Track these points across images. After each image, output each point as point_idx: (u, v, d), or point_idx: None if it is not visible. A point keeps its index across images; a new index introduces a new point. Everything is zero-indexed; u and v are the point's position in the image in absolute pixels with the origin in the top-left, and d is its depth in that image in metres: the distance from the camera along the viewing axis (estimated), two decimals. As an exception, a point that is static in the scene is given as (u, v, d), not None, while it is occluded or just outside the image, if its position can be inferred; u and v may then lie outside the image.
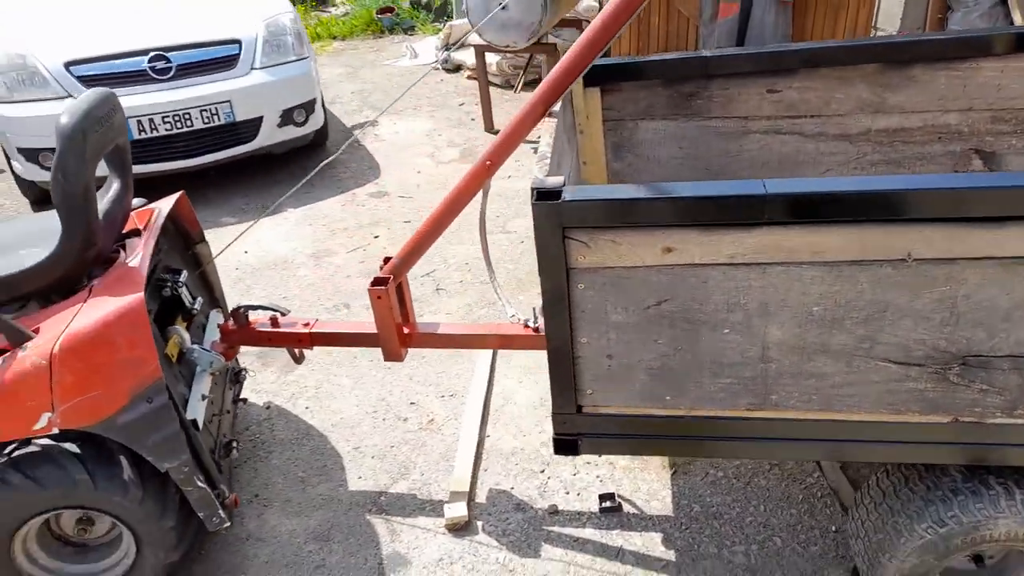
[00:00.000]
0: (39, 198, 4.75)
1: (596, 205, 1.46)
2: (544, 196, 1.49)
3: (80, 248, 1.88)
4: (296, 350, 2.40)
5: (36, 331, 1.83)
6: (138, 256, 2.01)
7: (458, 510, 2.31)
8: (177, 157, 4.49)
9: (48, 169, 4.28)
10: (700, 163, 2.45)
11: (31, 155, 4.27)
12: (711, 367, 1.58)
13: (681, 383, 1.62)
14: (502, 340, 2.25)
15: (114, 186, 2.14)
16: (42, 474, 1.82)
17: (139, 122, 4.30)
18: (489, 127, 5.84)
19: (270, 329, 2.29)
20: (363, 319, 3.03)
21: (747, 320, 1.53)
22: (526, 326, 2.26)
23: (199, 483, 1.94)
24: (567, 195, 1.47)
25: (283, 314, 2.28)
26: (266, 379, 3.05)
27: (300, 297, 3.66)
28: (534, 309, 2.30)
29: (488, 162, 1.99)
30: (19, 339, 1.81)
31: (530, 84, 6.55)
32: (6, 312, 1.88)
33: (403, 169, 5.19)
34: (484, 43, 5.50)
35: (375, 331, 2.25)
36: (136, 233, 2.17)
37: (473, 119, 6.14)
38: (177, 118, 4.39)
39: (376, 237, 4.24)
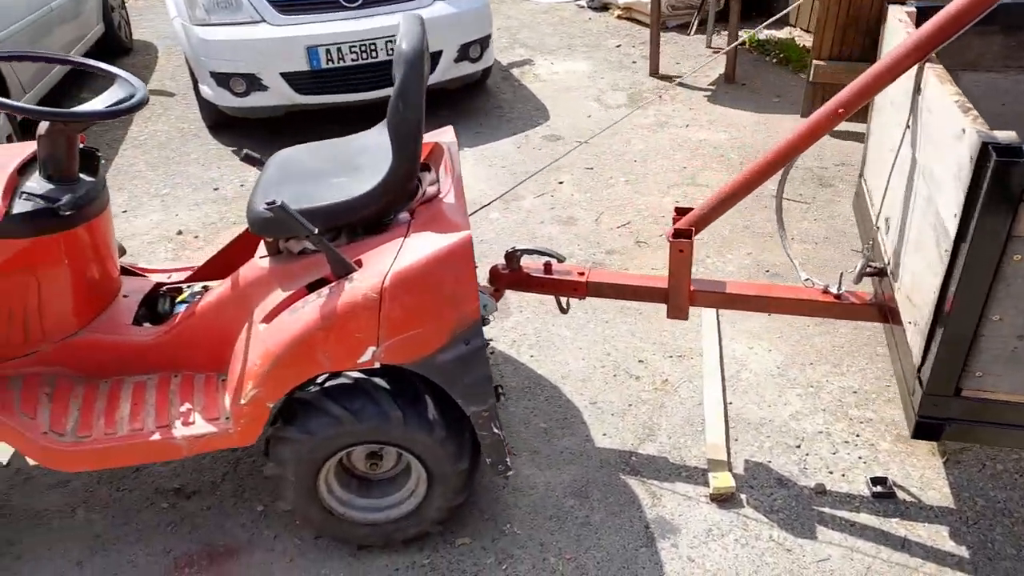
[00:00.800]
0: (217, 122, 4.80)
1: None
2: (1001, 153, 1.30)
3: (405, 180, 1.81)
4: (563, 299, 2.31)
5: (358, 264, 1.79)
6: (451, 192, 1.93)
7: (725, 480, 2.21)
8: (359, 89, 4.43)
9: (238, 95, 4.31)
10: (1022, 121, 2.19)
11: (222, 80, 4.29)
12: None
13: (1100, 376, 1.44)
14: (795, 305, 2.10)
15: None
16: (359, 407, 1.80)
17: (327, 51, 4.25)
18: (654, 70, 5.57)
19: (543, 275, 2.20)
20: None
21: None
22: (825, 291, 2.10)
23: (495, 429, 1.89)
24: (1036, 153, 1.29)
25: (560, 260, 2.19)
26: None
27: (497, 241, 3.58)
28: (841, 275, 2.13)
29: (840, 110, 1.81)
30: (344, 271, 1.77)
31: (701, 25, 6.20)
32: (320, 243, 1.84)
33: (572, 112, 5.01)
34: (664, -18, 5.19)
35: (661, 285, 2.13)
36: (425, 168, 2.10)
37: (634, 62, 5.87)
38: (363, 48, 4.31)
39: (561, 183, 4.11)
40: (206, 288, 2.15)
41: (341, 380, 1.85)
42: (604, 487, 2.27)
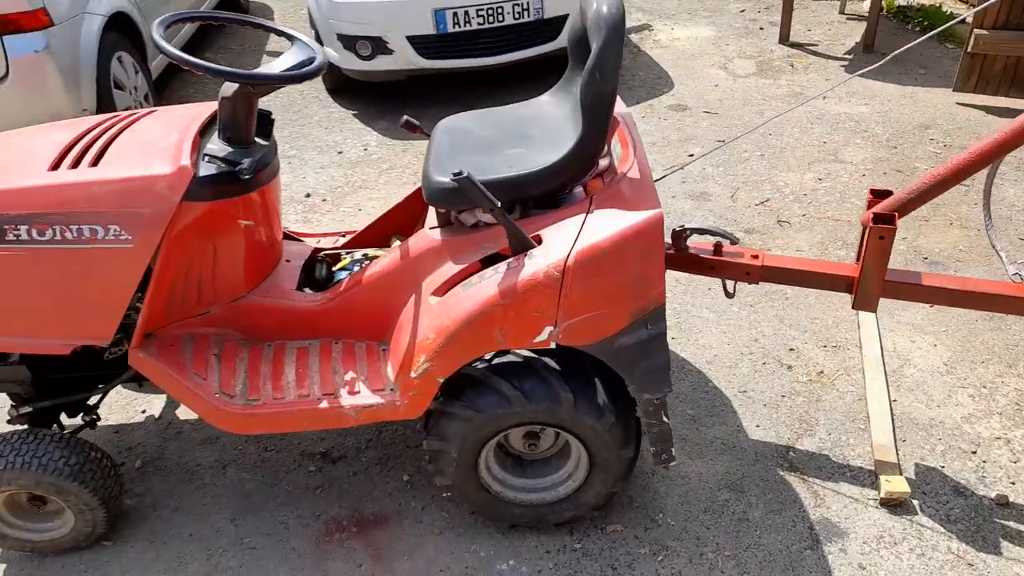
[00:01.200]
0: (338, 85, 4.81)
1: None
2: None
3: (594, 153, 1.72)
4: (731, 283, 2.18)
5: (536, 239, 1.71)
6: (634, 166, 1.82)
7: (899, 484, 2.05)
8: (483, 54, 4.34)
9: (363, 58, 4.29)
10: None
11: (348, 42, 4.27)
12: None
13: None
14: (1006, 303, 1.89)
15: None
16: (530, 387, 1.74)
17: (455, 14, 4.16)
18: (785, 38, 5.24)
19: (712, 256, 2.07)
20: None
21: None
22: (1038, 291, 1.89)
23: (664, 418, 1.80)
24: None
25: (732, 241, 2.05)
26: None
27: (627, 214, 3.45)
28: (1059, 272, 1.92)
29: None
30: (522, 246, 1.70)
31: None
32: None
33: (697, 81, 4.78)
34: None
35: (848, 273, 1.97)
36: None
37: (761, 28, 5.54)
38: (490, 12, 4.21)
39: (691, 156, 3.92)
40: (366, 256, 2.13)
41: (510, 358, 1.79)
42: (761, 482, 2.15)
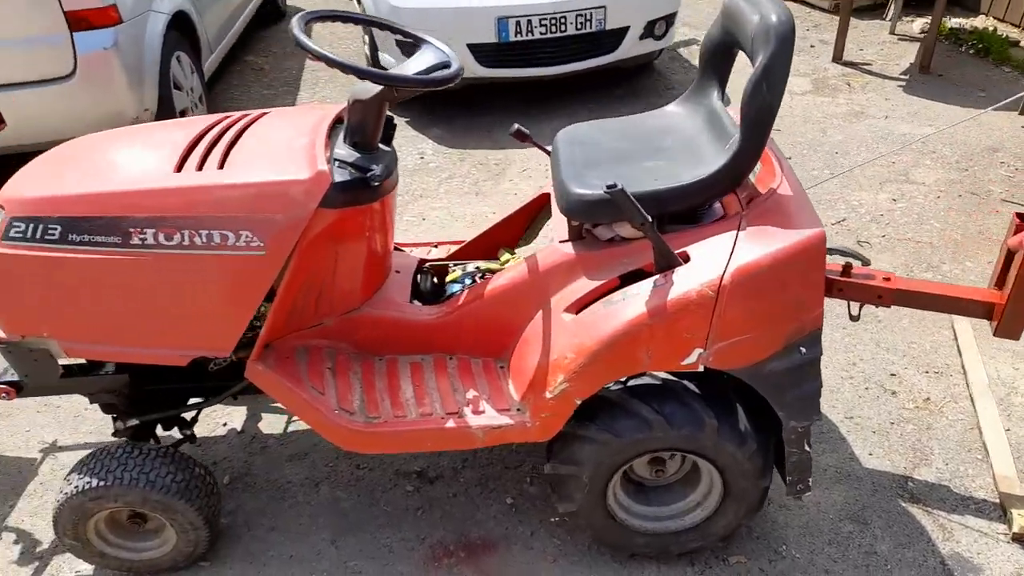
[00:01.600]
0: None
1: None
2: None
3: (749, 168, 1.64)
4: (857, 306, 2.09)
5: (682, 257, 1.63)
6: (784, 183, 1.75)
7: (1034, 521, 1.97)
8: (542, 64, 4.28)
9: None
10: None
11: (408, 49, 4.20)
12: None
13: None
14: None
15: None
16: (671, 411, 1.66)
17: (517, 23, 4.10)
18: (839, 57, 5.18)
19: (840, 278, 1.99)
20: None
21: None
22: None
23: (806, 447, 1.72)
24: None
25: (864, 263, 1.97)
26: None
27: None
28: None
29: None
30: (668, 264, 1.62)
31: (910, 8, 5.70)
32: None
33: (753, 98, 4.70)
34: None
35: (990, 299, 1.89)
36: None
37: (812, 46, 5.49)
38: (553, 21, 4.15)
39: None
40: (479, 268, 2.05)
41: (646, 380, 1.71)
42: (884, 514, 2.06)
